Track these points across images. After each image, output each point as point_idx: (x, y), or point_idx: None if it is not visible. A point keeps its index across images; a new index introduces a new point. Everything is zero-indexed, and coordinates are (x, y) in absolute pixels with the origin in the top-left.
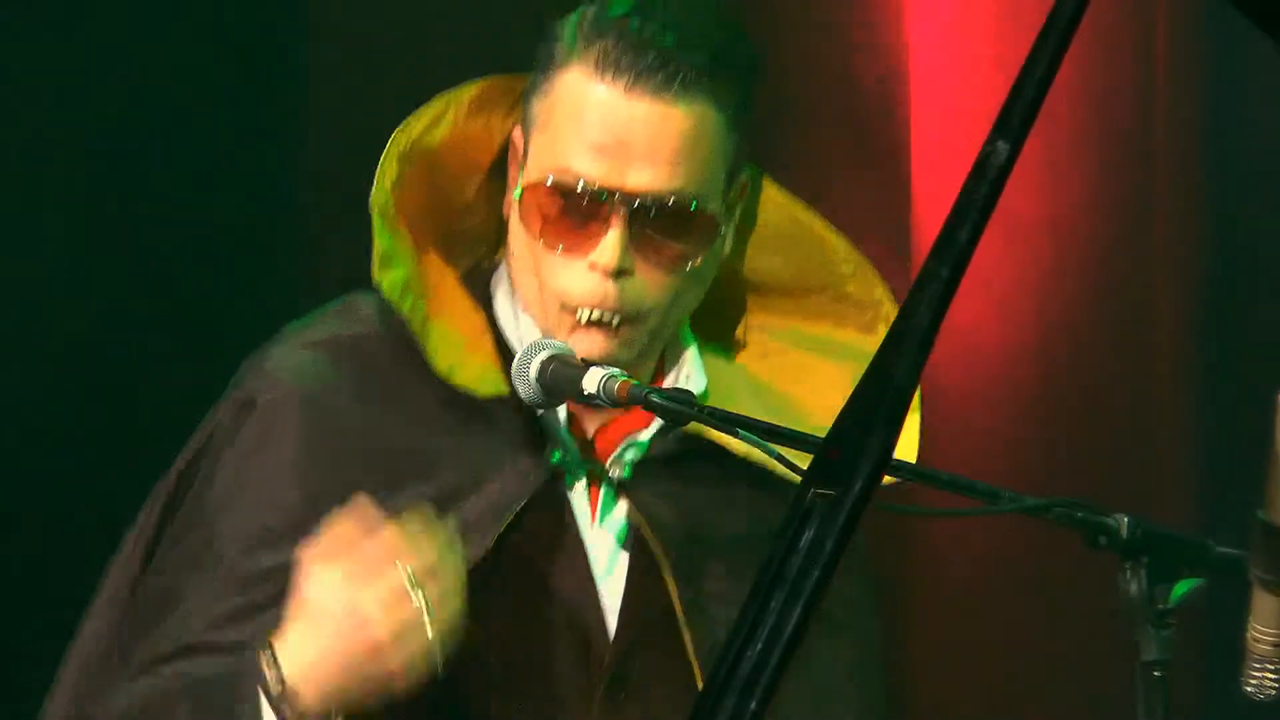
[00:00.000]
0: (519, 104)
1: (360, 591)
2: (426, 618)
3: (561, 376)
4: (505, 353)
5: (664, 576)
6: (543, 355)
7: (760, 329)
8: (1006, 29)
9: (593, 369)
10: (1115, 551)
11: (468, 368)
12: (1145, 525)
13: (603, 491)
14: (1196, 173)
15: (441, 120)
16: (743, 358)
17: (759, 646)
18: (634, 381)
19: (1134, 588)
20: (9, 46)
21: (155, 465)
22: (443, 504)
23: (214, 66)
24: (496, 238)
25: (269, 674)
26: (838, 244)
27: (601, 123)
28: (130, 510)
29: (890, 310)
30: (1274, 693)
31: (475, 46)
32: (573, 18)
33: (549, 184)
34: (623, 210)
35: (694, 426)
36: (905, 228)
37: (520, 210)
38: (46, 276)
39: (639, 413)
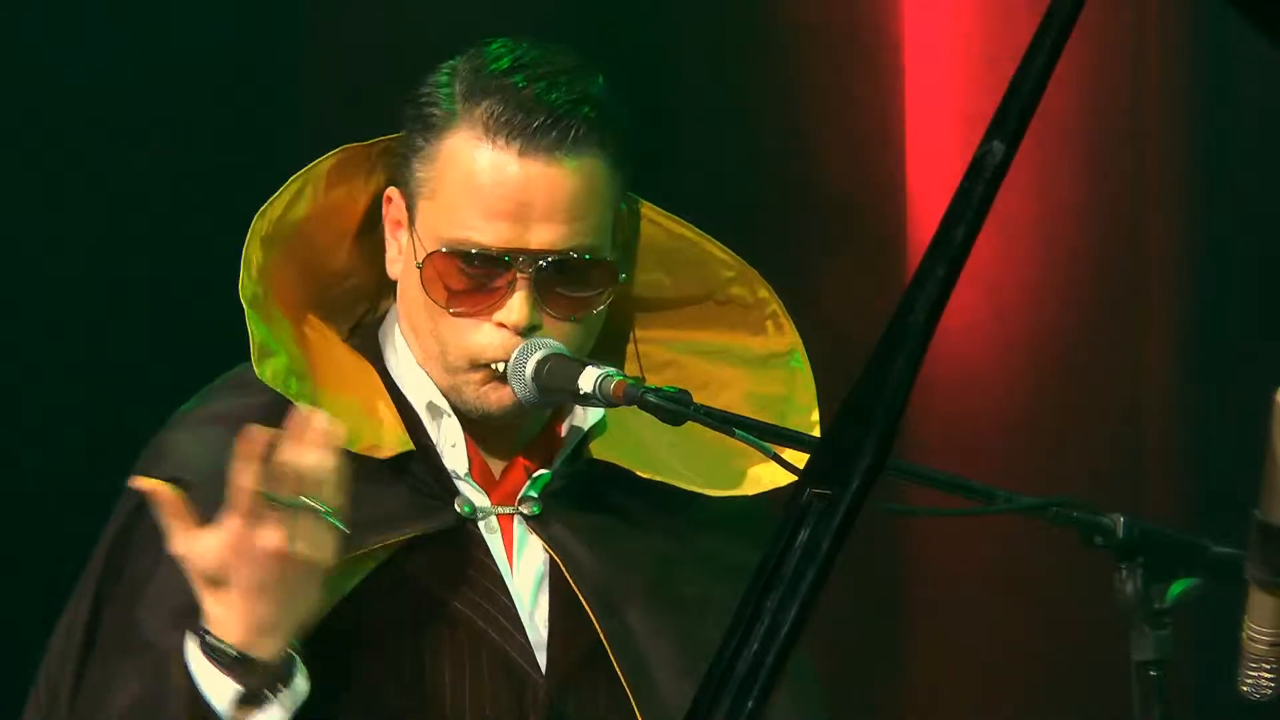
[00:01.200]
0: (379, 165)
1: (274, 531)
2: (330, 521)
3: (558, 375)
4: (403, 407)
5: (585, 610)
6: (539, 354)
7: (653, 343)
8: (998, 27)
9: (589, 367)
10: (1111, 551)
11: (367, 433)
12: (1141, 525)
13: (516, 531)
14: (1189, 170)
15: (301, 197)
16: (642, 374)
17: (755, 646)
18: (630, 380)
19: (1130, 587)
20: (9, 49)
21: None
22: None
23: (211, 75)
24: (377, 292)
25: (223, 650)
26: (717, 251)
27: (497, 187)
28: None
29: (776, 309)
30: (1270, 692)
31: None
32: (442, 78)
33: (451, 254)
34: (528, 270)
35: (602, 456)
36: (901, 227)
37: (422, 280)
38: (42, 279)
39: (540, 448)
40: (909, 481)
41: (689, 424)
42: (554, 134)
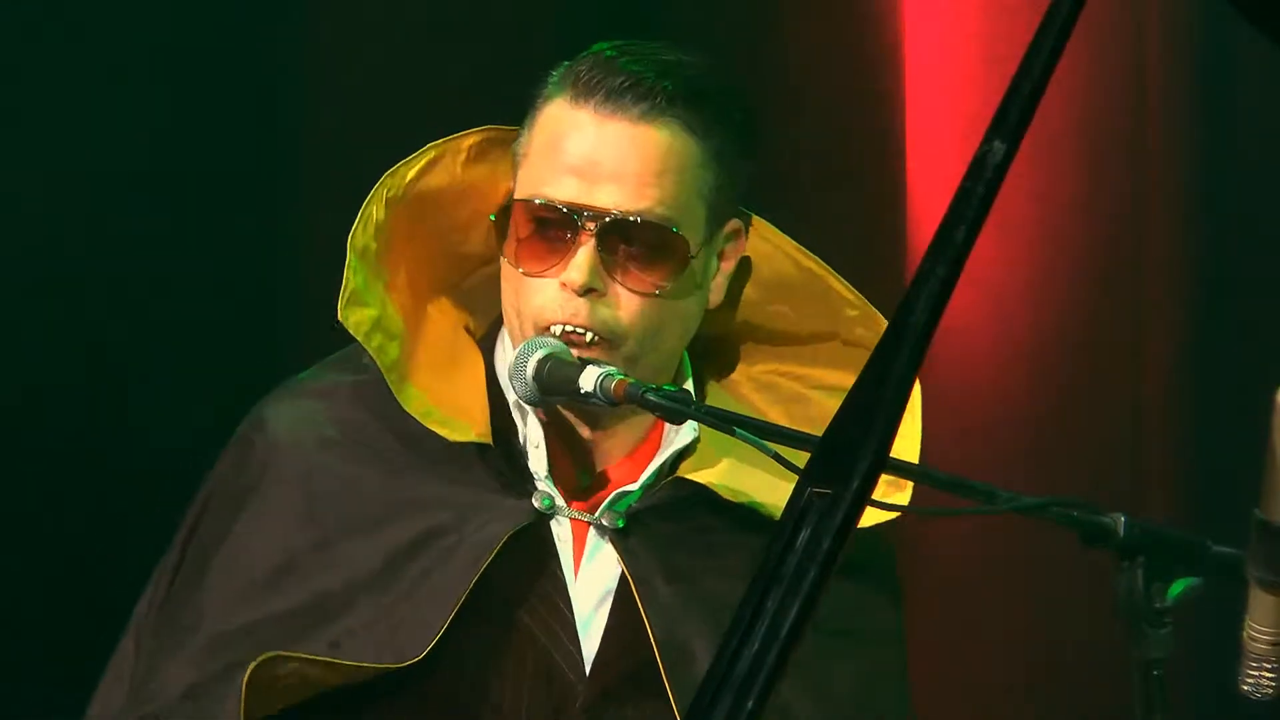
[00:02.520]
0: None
1: None
2: None
3: (558, 375)
4: (498, 402)
5: (645, 630)
6: (540, 353)
7: (786, 376)
8: (998, 28)
9: (590, 367)
10: (1112, 550)
11: (444, 412)
12: (1142, 524)
13: (589, 540)
14: (1189, 172)
15: (437, 166)
16: (763, 404)
17: (756, 646)
18: (631, 380)
19: (1130, 587)
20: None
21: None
22: (426, 542)
23: (210, 96)
24: None
25: None
26: (840, 288)
27: (574, 144)
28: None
29: None
30: (1270, 692)
31: (473, 67)
32: (563, 65)
33: (522, 207)
34: (591, 227)
35: (690, 476)
36: (901, 227)
37: (499, 235)
38: (42, 289)
39: (628, 465)
40: (911, 481)
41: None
42: (630, 95)
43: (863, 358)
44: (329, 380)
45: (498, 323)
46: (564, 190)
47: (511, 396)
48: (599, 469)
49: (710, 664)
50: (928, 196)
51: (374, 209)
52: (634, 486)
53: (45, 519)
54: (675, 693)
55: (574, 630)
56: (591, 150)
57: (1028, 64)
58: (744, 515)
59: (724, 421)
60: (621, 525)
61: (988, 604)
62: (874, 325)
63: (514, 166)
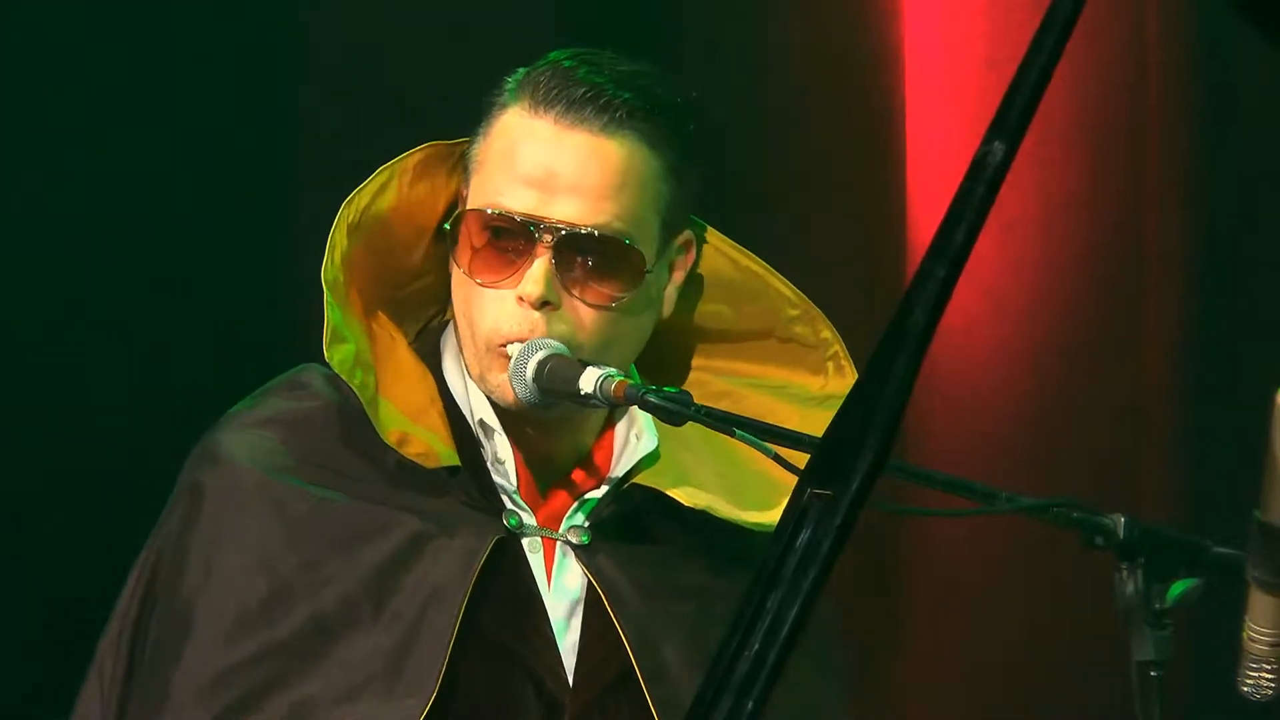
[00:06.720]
0: (458, 167)
1: None
2: None
3: (558, 376)
4: (456, 418)
5: (620, 641)
6: (540, 354)
7: (712, 372)
8: (998, 29)
9: (590, 368)
10: (1112, 551)
11: (417, 440)
12: (1142, 525)
13: (557, 554)
14: (1189, 171)
15: (387, 189)
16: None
17: (756, 646)
18: (630, 381)
19: (1130, 588)
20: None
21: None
22: (404, 558)
23: (209, 110)
24: (446, 296)
25: None
26: (783, 288)
27: (531, 154)
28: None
29: (839, 350)
30: (1270, 693)
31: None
32: (519, 72)
33: (477, 217)
34: (548, 240)
35: (648, 483)
36: (901, 228)
37: (454, 247)
38: (41, 296)
39: (585, 469)
40: (909, 482)
41: (739, 455)
42: (591, 108)
43: (798, 353)
44: (275, 408)
45: (428, 331)
46: (521, 201)
47: (476, 416)
48: (556, 477)
49: (710, 664)
50: (928, 197)
51: (339, 239)
52: (597, 494)
53: (44, 521)
54: (654, 698)
55: (555, 646)
56: (550, 161)
57: (1028, 65)
58: (701, 521)
59: (723, 423)
60: (587, 541)
61: (988, 605)
62: (814, 324)
63: (466, 174)
